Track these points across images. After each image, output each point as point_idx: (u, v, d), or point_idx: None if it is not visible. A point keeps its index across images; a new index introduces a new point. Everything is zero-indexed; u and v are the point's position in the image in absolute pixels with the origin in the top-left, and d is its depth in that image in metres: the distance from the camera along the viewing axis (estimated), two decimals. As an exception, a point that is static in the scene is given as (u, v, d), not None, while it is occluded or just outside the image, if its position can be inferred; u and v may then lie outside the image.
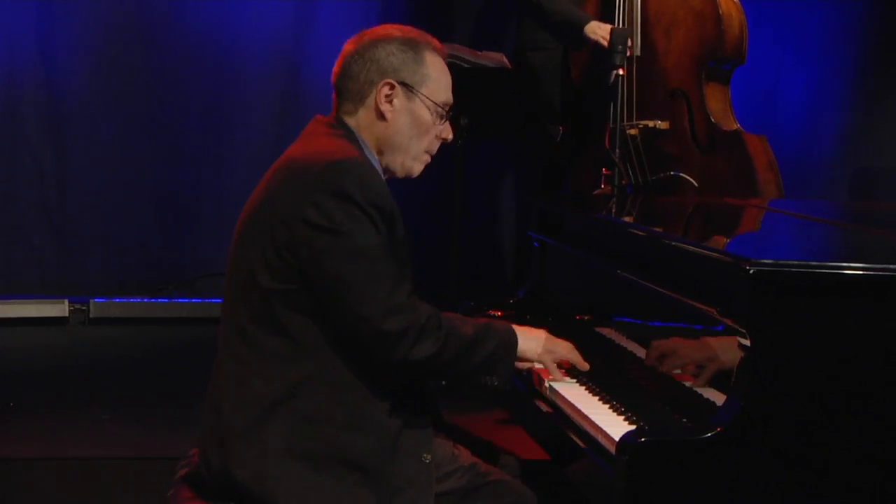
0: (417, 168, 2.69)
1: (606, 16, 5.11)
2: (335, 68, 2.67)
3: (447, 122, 2.70)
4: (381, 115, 2.62)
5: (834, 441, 2.24)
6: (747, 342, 2.24)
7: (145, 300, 6.19)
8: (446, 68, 2.69)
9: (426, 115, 2.64)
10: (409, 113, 2.63)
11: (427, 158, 2.70)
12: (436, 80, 2.65)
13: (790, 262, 2.26)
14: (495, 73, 4.88)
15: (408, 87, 2.62)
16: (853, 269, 2.26)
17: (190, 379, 4.76)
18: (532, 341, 2.70)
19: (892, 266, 2.26)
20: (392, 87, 2.61)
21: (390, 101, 2.62)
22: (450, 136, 2.71)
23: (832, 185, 6.51)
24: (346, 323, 2.46)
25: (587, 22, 5.05)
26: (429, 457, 2.54)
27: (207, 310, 6.06)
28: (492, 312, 3.42)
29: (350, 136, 2.63)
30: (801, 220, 3.49)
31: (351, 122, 2.65)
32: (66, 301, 6.09)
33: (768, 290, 2.23)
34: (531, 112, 5.02)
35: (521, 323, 2.91)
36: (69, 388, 5.15)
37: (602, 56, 5.00)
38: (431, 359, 2.50)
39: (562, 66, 5.38)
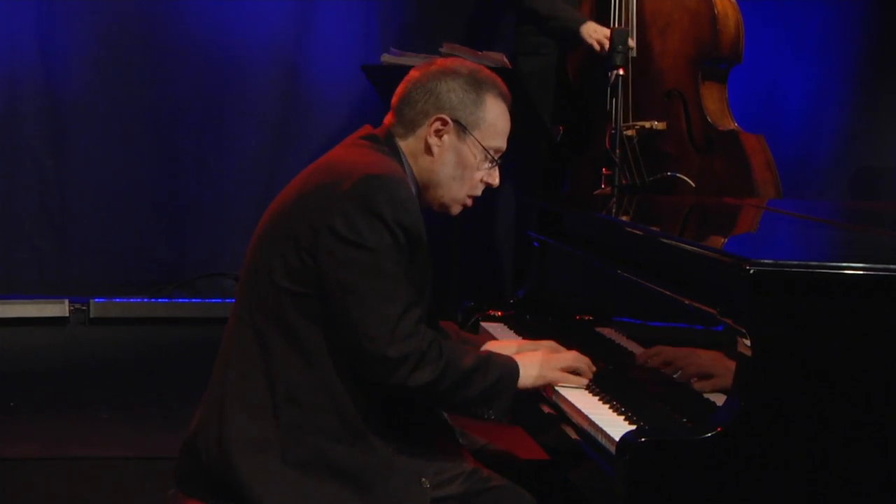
0: (455, 209, 2.69)
1: (602, 17, 5.11)
2: (398, 90, 2.65)
3: (495, 168, 2.68)
4: (428, 149, 2.62)
5: (834, 441, 2.24)
6: (747, 342, 2.24)
7: (145, 300, 6.17)
8: (506, 113, 2.67)
9: (472, 158, 2.63)
10: (455, 152, 2.62)
11: (469, 202, 2.69)
12: (491, 124, 2.64)
13: (790, 262, 2.26)
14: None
15: (461, 127, 2.61)
16: (853, 269, 2.26)
17: (190, 379, 4.75)
18: (530, 369, 2.64)
19: (892, 266, 2.26)
20: (445, 124, 2.60)
21: (440, 137, 2.61)
22: (495, 182, 2.68)
23: (832, 185, 6.51)
24: (351, 337, 2.44)
25: (584, 23, 5.06)
26: (427, 482, 2.50)
27: (207, 310, 6.06)
28: (492, 312, 3.42)
29: (396, 156, 2.62)
30: (800, 220, 3.49)
31: (401, 144, 2.64)
32: (66, 301, 6.07)
33: (768, 290, 2.23)
34: (531, 113, 5.02)
35: (521, 323, 2.90)
36: (69, 388, 5.15)
37: (598, 56, 5.00)
38: (429, 386, 2.47)
39: (557, 70, 5.37)
